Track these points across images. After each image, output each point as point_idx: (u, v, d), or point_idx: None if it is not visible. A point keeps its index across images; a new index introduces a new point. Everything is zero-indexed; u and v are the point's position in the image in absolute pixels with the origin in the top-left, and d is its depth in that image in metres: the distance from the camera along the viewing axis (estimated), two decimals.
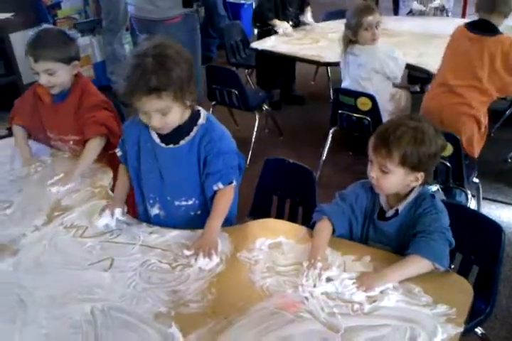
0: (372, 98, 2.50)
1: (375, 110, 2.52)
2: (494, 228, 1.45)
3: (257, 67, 3.63)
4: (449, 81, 2.28)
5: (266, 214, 1.89)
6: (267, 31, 3.45)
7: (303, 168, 1.80)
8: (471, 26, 2.23)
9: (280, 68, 3.58)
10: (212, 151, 1.43)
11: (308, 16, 3.64)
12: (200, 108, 1.48)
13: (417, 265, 1.25)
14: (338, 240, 1.40)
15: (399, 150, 1.26)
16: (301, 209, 1.83)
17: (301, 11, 3.62)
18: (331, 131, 2.81)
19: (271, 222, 1.53)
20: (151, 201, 1.54)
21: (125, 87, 1.28)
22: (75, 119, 1.81)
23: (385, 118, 2.56)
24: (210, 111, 3.01)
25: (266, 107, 3.16)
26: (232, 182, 1.46)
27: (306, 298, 1.21)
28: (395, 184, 1.32)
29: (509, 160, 2.98)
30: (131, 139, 1.51)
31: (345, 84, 2.80)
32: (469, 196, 2.28)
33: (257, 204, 1.89)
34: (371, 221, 1.43)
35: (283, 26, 3.39)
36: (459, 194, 2.45)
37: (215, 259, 1.32)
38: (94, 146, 1.78)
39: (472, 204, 2.44)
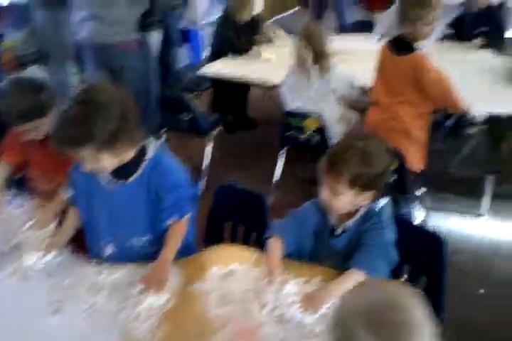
0: (318, 118, 2.57)
1: (322, 130, 2.59)
2: (436, 239, 1.51)
3: (211, 90, 3.66)
4: (381, 99, 2.37)
5: (219, 242, 1.89)
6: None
7: (253, 193, 1.82)
8: (390, 44, 2.31)
9: (233, 91, 3.62)
10: (163, 186, 1.41)
11: (278, 32, 3.74)
12: (148, 141, 1.46)
13: (355, 278, 1.29)
14: (288, 262, 1.41)
15: (348, 174, 1.28)
16: (254, 235, 1.83)
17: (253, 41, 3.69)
18: (281, 152, 2.85)
19: (223, 249, 1.53)
20: (104, 241, 1.50)
21: (51, 131, 1.25)
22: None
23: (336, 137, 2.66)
24: (163, 138, 3.01)
25: (217, 131, 3.17)
26: (186, 215, 1.46)
27: (261, 324, 1.20)
28: (346, 204, 1.36)
29: (452, 170, 3.11)
30: (79, 179, 1.49)
31: (297, 105, 2.82)
32: (415, 207, 2.36)
33: (211, 232, 1.88)
34: (322, 238, 1.46)
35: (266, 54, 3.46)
36: (405, 206, 2.54)
37: (165, 295, 1.29)
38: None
39: (420, 214, 2.55)
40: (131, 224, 1.46)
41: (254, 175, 3.21)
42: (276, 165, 2.90)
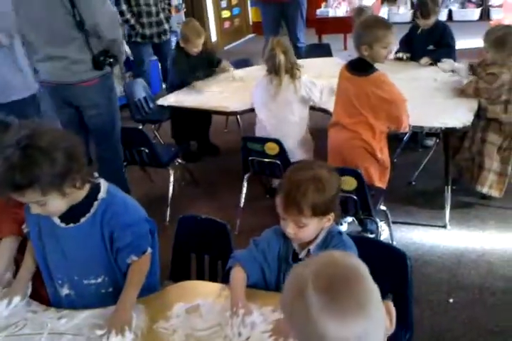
0: (278, 142, 2.60)
1: (283, 153, 2.62)
2: (400, 255, 1.54)
3: (171, 121, 3.66)
4: (341, 120, 2.43)
5: (186, 274, 1.87)
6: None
7: (216, 221, 1.81)
8: (349, 66, 2.38)
9: (195, 119, 3.63)
10: (118, 226, 1.39)
11: (231, 69, 3.74)
12: (100, 180, 1.44)
13: None
14: (254, 291, 1.40)
15: (308, 205, 1.30)
16: (220, 264, 1.82)
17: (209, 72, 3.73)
18: (245, 177, 2.86)
19: (187, 285, 1.51)
20: (60, 281, 1.46)
21: None
22: None
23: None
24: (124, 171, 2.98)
25: (179, 161, 3.17)
26: (145, 252, 1.43)
27: None
28: (312, 232, 1.38)
29: (413, 183, 3.19)
30: (31, 220, 1.45)
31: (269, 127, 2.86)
32: (379, 224, 2.40)
33: (176, 265, 1.85)
34: (286, 265, 1.45)
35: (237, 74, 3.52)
36: (370, 223, 2.58)
37: (129, 336, 1.26)
38: (6, 247, 1.57)
39: (386, 229, 2.59)
40: (86, 264, 1.43)
41: (220, 201, 3.21)
42: (241, 189, 2.90)
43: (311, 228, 1.35)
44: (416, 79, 3.16)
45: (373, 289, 0.79)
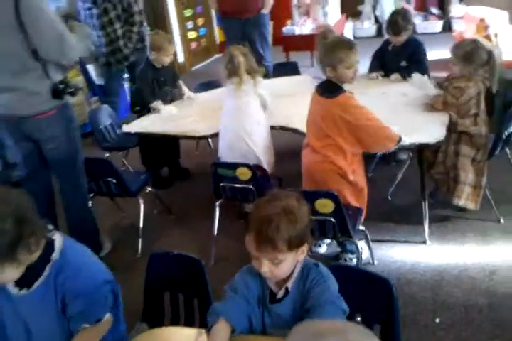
0: (250, 167, 2.53)
1: (255, 178, 2.55)
2: (384, 283, 1.47)
3: (140, 147, 3.56)
4: (311, 142, 2.39)
5: (160, 315, 1.76)
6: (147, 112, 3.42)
7: (189, 257, 1.71)
8: (318, 88, 2.35)
9: (163, 145, 3.54)
10: (70, 292, 1.27)
11: (185, 90, 3.68)
12: (56, 236, 1.31)
13: None
14: (240, 338, 1.30)
15: (283, 240, 1.22)
16: (196, 302, 1.72)
17: (174, 86, 3.67)
18: (217, 203, 2.77)
19: (160, 332, 1.39)
20: None
21: None
22: None
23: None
24: (90, 204, 2.85)
25: (149, 189, 3.06)
26: (102, 319, 1.32)
27: None
28: (289, 268, 1.30)
29: (389, 198, 3.15)
30: None
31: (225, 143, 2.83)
32: (358, 245, 2.34)
33: (149, 305, 1.74)
34: (264, 307, 1.36)
35: (168, 109, 3.38)
36: (349, 243, 2.52)
37: None
38: None
39: (365, 249, 2.53)
40: (42, 333, 1.31)
41: (194, 228, 3.10)
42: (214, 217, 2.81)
43: (287, 264, 1.27)
44: (386, 95, 3.15)
45: None
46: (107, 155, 3.56)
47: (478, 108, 2.68)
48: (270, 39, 4.91)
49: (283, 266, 1.26)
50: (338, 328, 0.75)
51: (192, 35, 7.77)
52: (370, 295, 1.51)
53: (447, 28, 7.61)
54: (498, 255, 2.55)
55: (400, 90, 3.24)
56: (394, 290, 1.47)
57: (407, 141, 2.34)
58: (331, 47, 2.25)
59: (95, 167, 2.71)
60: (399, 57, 3.44)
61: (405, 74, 3.35)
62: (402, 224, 2.90)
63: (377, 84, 3.44)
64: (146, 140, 3.38)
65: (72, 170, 2.59)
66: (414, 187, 3.10)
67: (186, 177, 3.80)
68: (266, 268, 1.26)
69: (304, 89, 3.50)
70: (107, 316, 1.32)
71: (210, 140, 3.98)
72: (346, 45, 2.25)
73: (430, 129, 2.55)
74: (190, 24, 7.67)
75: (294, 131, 2.81)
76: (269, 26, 4.92)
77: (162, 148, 3.54)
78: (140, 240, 2.88)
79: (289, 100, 3.28)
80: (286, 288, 1.33)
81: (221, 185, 2.64)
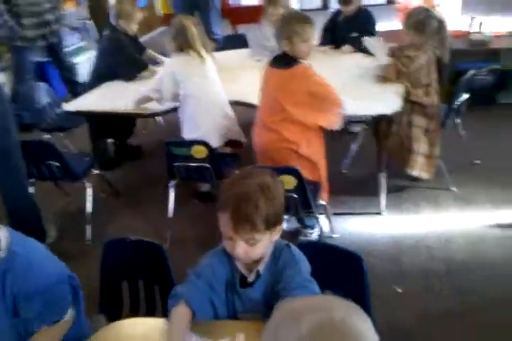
0: (206, 145, 2.41)
1: (212, 156, 2.44)
2: (353, 257, 1.45)
3: (89, 121, 3.31)
4: (265, 118, 2.31)
5: (118, 305, 1.65)
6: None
7: (148, 242, 1.60)
8: (272, 61, 2.28)
9: (116, 119, 3.30)
10: (23, 293, 1.14)
11: (161, 58, 3.52)
12: (0, 232, 1.16)
13: None
14: (204, 325, 1.22)
15: (261, 218, 1.13)
16: (157, 289, 1.62)
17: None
18: (170, 184, 2.64)
19: (121, 328, 1.28)
20: None
21: None
22: None
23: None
24: (31, 190, 2.63)
25: (96, 171, 2.87)
26: (61, 319, 1.21)
27: None
28: (264, 248, 1.22)
29: (344, 171, 3.14)
30: None
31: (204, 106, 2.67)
32: (319, 219, 2.34)
33: (106, 296, 1.63)
34: (234, 291, 1.28)
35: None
36: (308, 219, 2.49)
37: None
38: None
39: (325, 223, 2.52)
40: None
41: (146, 212, 2.96)
42: (167, 196, 2.68)
43: (263, 244, 1.19)
44: (338, 67, 3.10)
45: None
46: (47, 136, 3.30)
47: (429, 78, 2.69)
48: (219, 10, 4.71)
49: (259, 246, 1.18)
50: (319, 305, 0.69)
51: None
52: (340, 270, 1.48)
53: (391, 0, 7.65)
54: (452, 223, 2.62)
55: (353, 62, 3.20)
56: (364, 264, 1.44)
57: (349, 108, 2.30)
58: (287, 20, 2.19)
59: (35, 150, 2.49)
60: (350, 28, 3.39)
61: (356, 45, 3.31)
62: (358, 196, 2.90)
63: (329, 57, 3.37)
64: (94, 117, 3.15)
65: (6, 155, 2.36)
66: (369, 160, 3.12)
67: (137, 157, 3.61)
68: (240, 249, 1.17)
69: (253, 63, 3.44)
70: (66, 318, 1.21)
71: (161, 118, 3.80)
72: (302, 19, 2.19)
73: (386, 100, 2.53)
74: None
75: (250, 105, 2.70)
76: None
77: (114, 122, 3.31)
78: (89, 227, 2.71)
79: (240, 74, 3.16)
80: (258, 271, 1.26)
81: (175, 164, 2.51)
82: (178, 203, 2.70)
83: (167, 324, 1.20)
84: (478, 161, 3.10)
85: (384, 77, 2.78)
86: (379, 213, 2.73)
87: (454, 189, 2.86)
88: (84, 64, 5.26)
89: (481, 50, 3.85)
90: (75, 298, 1.26)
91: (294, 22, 2.17)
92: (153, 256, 1.59)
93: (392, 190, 2.86)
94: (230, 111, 2.76)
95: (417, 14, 2.65)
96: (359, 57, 3.27)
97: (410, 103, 2.69)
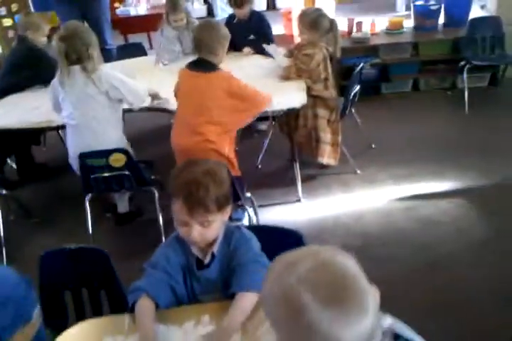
0: (124, 151, 2.39)
1: (131, 163, 2.42)
2: (295, 236, 1.57)
3: None
4: (188, 120, 2.37)
5: (63, 317, 1.61)
6: None
7: (89, 249, 1.59)
8: (191, 66, 2.37)
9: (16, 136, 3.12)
10: None
11: None
12: None
13: (247, 301, 1.23)
14: (167, 312, 1.27)
15: (212, 201, 1.23)
16: (104, 293, 1.60)
17: None
18: (87, 198, 2.56)
19: (83, 327, 1.28)
20: None
21: None
22: None
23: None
24: None
25: (2, 192, 2.69)
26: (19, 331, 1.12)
27: None
28: (218, 229, 1.30)
29: (259, 166, 3.28)
30: None
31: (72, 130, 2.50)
32: (249, 210, 2.47)
33: (49, 309, 1.56)
34: (192, 274, 1.35)
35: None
36: (235, 212, 2.59)
37: None
38: None
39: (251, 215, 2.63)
40: None
41: (62, 231, 2.83)
42: (83, 211, 2.58)
43: (217, 225, 1.28)
44: (242, 68, 3.22)
45: (365, 282, 0.76)
46: None
47: (326, 72, 2.93)
48: (109, 20, 4.62)
49: (213, 227, 1.27)
50: (307, 252, 0.79)
51: (7, 22, 6.91)
52: (284, 248, 1.57)
53: (272, 6, 8.04)
54: (362, 201, 2.87)
55: (255, 63, 3.36)
56: (304, 239, 1.56)
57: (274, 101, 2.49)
58: (215, 30, 2.32)
59: None
60: (246, 31, 3.54)
61: (255, 47, 3.48)
62: (275, 187, 3.05)
63: (231, 59, 3.49)
64: None
65: None
66: (280, 153, 3.31)
67: (43, 175, 3.43)
68: (196, 232, 1.24)
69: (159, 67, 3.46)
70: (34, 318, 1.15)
71: (61, 133, 3.65)
72: (222, 29, 2.37)
73: (292, 96, 2.71)
74: (2, 10, 6.80)
75: (164, 110, 2.74)
76: (108, 6, 4.61)
77: (13, 140, 3.14)
78: (3, 250, 2.54)
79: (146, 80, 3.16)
80: (212, 253, 1.33)
81: (92, 176, 2.44)
82: (95, 218, 2.64)
83: (135, 319, 1.22)
84: (374, 145, 3.42)
85: (286, 76, 2.96)
86: (298, 200, 2.91)
87: (359, 171, 3.14)
88: None
89: (362, 47, 4.24)
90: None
91: (214, 33, 2.30)
92: (94, 261, 1.57)
93: (305, 179, 3.06)
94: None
95: (309, 14, 2.87)
96: (259, 58, 3.44)
97: (312, 97, 2.91)
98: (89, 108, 2.42)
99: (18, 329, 1.11)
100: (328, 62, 2.93)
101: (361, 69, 3.19)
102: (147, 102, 2.73)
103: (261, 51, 3.43)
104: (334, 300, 0.70)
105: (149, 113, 2.96)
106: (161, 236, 2.54)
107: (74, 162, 2.51)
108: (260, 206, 2.84)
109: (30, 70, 3.18)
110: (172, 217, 2.30)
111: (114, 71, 2.58)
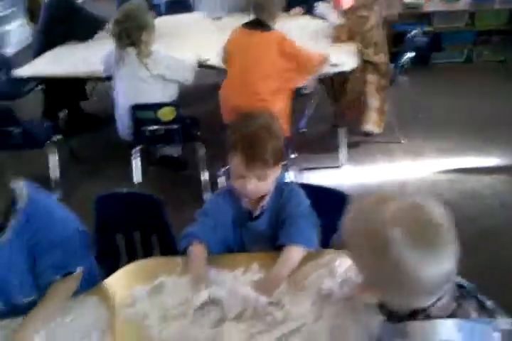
0: (173, 106, 2.43)
1: (179, 117, 2.46)
2: (340, 197, 1.57)
3: (43, 91, 3.21)
4: (241, 78, 2.39)
5: (115, 258, 1.70)
6: None
7: (142, 195, 1.65)
8: (247, 25, 2.41)
9: (64, 88, 3.21)
10: (42, 243, 1.17)
11: None
12: (17, 185, 1.16)
13: (295, 254, 1.27)
14: (218, 257, 1.32)
15: (270, 154, 1.24)
16: (155, 238, 1.68)
17: None
18: (135, 150, 2.64)
19: (139, 265, 1.35)
20: None
21: None
22: None
23: None
24: None
25: (58, 138, 2.78)
26: (74, 272, 1.23)
27: (219, 332, 1.10)
28: (272, 182, 1.33)
29: (303, 130, 3.27)
30: None
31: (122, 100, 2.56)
32: (289, 171, 2.54)
33: (102, 249, 1.66)
34: (242, 225, 1.39)
35: None
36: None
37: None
38: None
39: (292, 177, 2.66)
40: (12, 283, 1.20)
41: (111, 178, 2.94)
42: (130, 162, 2.68)
43: (271, 178, 1.31)
44: (290, 30, 3.16)
45: (452, 231, 0.79)
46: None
47: (378, 36, 2.86)
48: None
49: (268, 181, 1.29)
50: (400, 194, 0.82)
51: None
52: (328, 208, 1.60)
53: None
54: (405, 171, 2.85)
55: (304, 24, 3.29)
56: (349, 200, 1.57)
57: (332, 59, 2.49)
58: None
59: None
60: None
61: (306, 7, 3.40)
62: (318, 152, 3.05)
63: (281, 20, 3.43)
64: (47, 83, 3.04)
65: None
66: (323, 118, 3.29)
67: (94, 124, 3.52)
68: (252, 185, 1.27)
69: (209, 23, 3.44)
70: (78, 271, 1.24)
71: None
72: None
73: (342, 59, 2.66)
74: None
75: (211, 67, 2.75)
76: None
77: (65, 90, 3.21)
78: (57, 193, 2.65)
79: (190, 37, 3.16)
80: (263, 206, 1.36)
81: (142, 129, 2.50)
82: (143, 169, 2.72)
83: (187, 261, 1.28)
84: (421, 115, 3.35)
85: (336, 37, 2.90)
86: (340, 166, 2.91)
87: (403, 141, 3.10)
88: (14, 32, 4.97)
89: (415, 13, 4.08)
90: (87, 250, 1.30)
91: None
92: (147, 206, 1.64)
93: (348, 146, 3.04)
94: None
95: None
96: (308, 19, 3.36)
97: (363, 62, 2.86)
98: (139, 91, 2.47)
99: (61, 274, 1.19)
100: (381, 26, 2.85)
101: (413, 35, 3.09)
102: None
103: (310, 11, 3.35)
104: (424, 241, 0.74)
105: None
106: (203, 192, 2.61)
107: (122, 117, 2.57)
108: (302, 169, 2.87)
109: (66, 25, 3.16)
110: (214, 173, 2.36)
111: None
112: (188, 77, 2.60)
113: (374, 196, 0.82)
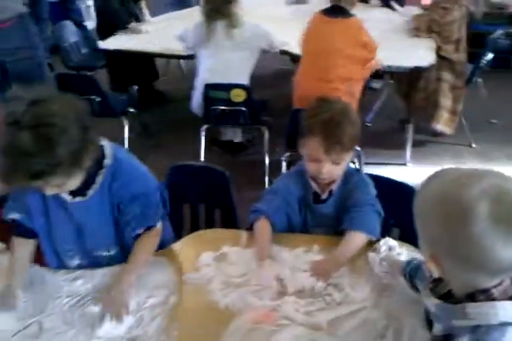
0: (245, 88, 2.48)
1: (249, 99, 2.51)
2: (407, 189, 1.54)
3: (109, 67, 3.35)
4: (317, 65, 2.39)
5: (179, 226, 1.77)
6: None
7: (213, 169, 1.71)
8: (326, 12, 2.39)
9: (135, 66, 3.35)
10: (125, 197, 1.24)
11: (145, 13, 3.48)
12: (104, 142, 1.23)
13: (357, 240, 1.29)
14: (281, 235, 1.36)
15: (348, 139, 1.26)
16: (218, 212, 1.74)
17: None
18: (203, 128, 2.71)
19: (206, 234, 1.42)
20: (70, 253, 1.32)
21: None
22: None
23: None
24: None
25: (132, 110, 2.91)
26: (155, 225, 1.30)
27: (278, 305, 1.14)
28: (344, 168, 1.35)
29: (369, 125, 3.24)
30: (33, 199, 1.24)
31: (205, 76, 2.67)
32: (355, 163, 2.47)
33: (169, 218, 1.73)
34: (308, 207, 1.42)
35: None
36: None
37: (128, 320, 1.11)
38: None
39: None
40: (96, 237, 1.29)
41: (176, 154, 3.03)
42: (195, 140, 2.76)
43: (345, 163, 1.33)
44: (369, 21, 3.12)
45: None
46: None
47: (459, 34, 2.76)
48: None
49: (342, 165, 1.31)
50: (475, 173, 0.79)
51: None
52: (393, 199, 1.58)
53: None
54: None
55: (382, 16, 3.23)
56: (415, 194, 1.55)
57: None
58: None
59: (76, 84, 2.53)
60: None
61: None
62: (382, 148, 3.01)
63: (359, 11, 3.38)
64: (117, 59, 3.16)
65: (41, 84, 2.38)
66: (391, 114, 3.23)
67: (162, 101, 3.64)
68: (326, 169, 1.29)
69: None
70: (159, 225, 1.31)
71: (183, 64, 3.82)
72: None
73: (419, 54, 2.61)
74: None
75: (284, 52, 2.77)
76: None
77: (134, 67, 3.34)
78: None
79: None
80: (331, 190, 1.38)
81: (212, 108, 2.57)
82: (205, 148, 2.80)
83: (252, 235, 1.33)
84: (494, 120, 3.22)
85: (416, 27, 2.83)
86: (404, 164, 2.86)
87: (474, 145, 2.99)
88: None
89: (499, 14, 3.90)
90: (165, 208, 1.37)
91: None
92: (215, 181, 1.69)
93: (415, 144, 2.99)
94: None
95: None
96: (387, 11, 3.30)
97: (440, 58, 2.78)
98: (223, 63, 2.57)
99: (142, 228, 1.25)
100: (464, 22, 2.75)
101: (497, 37, 2.96)
102: None
103: (387, 4, 3.29)
104: (509, 220, 0.71)
105: (265, 55, 2.98)
106: (265, 175, 2.65)
107: (198, 93, 2.64)
108: (365, 163, 2.84)
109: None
110: (277, 158, 2.34)
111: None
112: (275, 44, 2.67)
113: (465, 170, 0.80)
